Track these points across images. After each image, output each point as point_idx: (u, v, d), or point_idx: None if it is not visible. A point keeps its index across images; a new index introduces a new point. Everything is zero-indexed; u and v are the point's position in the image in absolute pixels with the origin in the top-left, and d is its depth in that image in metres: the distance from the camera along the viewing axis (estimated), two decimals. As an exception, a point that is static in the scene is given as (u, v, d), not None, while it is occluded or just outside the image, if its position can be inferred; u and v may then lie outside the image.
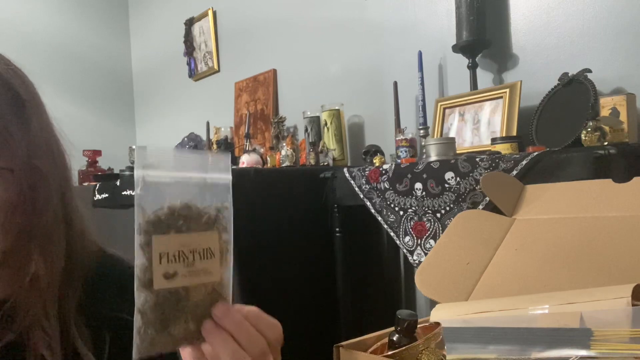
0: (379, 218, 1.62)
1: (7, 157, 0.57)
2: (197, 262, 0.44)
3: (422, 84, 1.84)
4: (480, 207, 1.34)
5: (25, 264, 0.58)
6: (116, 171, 2.69)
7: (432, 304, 0.92)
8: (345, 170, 1.75)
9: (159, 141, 3.44)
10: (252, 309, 0.49)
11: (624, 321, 0.66)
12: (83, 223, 0.67)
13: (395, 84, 1.97)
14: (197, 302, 0.45)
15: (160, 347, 0.44)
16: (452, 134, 1.75)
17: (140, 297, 0.43)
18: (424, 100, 1.84)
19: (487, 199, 1.31)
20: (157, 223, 0.43)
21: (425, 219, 1.49)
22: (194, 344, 0.46)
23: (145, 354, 0.43)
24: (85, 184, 2.55)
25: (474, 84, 1.74)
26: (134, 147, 2.64)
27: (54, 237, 0.61)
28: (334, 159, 2.11)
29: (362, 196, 1.67)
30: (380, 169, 1.62)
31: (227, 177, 0.46)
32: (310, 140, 2.15)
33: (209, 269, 0.45)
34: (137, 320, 0.43)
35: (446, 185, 1.42)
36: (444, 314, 0.84)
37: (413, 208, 1.52)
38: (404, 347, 0.66)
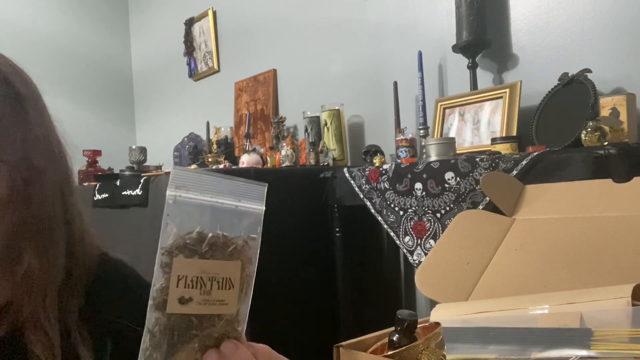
0: (379, 218, 1.62)
1: (1, 150, 0.56)
2: (214, 291, 0.43)
3: (422, 84, 1.84)
4: (480, 207, 1.34)
5: (18, 260, 0.57)
6: (116, 171, 2.69)
7: (432, 304, 0.92)
8: (345, 170, 1.75)
9: (160, 141, 3.44)
10: (263, 348, 0.48)
11: (624, 321, 0.66)
12: (83, 225, 0.66)
13: (395, 84, 1.97)
14: (209, 333, 0.44)
15: None
16: (452, 134, 1.75)
17: (151, 318, 0.42)
18: (424, 100, 1.84)
19: (487, 199, 1.31)
20: (182, 247, 0.42)
21: (425, 219, 1.49)
22: None
23: None
24: (85, 184, 2.55)
25: (474, 84, 1.74)
26: (134, 147, 2.64)
27: (53, 235, 0.60)
28: (334, 159, 2.11)
29: (362, 196, 1.67)
30: (380, 169, 1.62)
31: (260, 208, 0.46)
32: (310, 140, 2.15)
33: (225, 299, 0.44)
34: (145, 341, 0.42)
35: (446, 185, 1.42)
36: (444, 314, 0.84)
37: (413, 208, 1.52)
38: (404, 347, 0.66)
